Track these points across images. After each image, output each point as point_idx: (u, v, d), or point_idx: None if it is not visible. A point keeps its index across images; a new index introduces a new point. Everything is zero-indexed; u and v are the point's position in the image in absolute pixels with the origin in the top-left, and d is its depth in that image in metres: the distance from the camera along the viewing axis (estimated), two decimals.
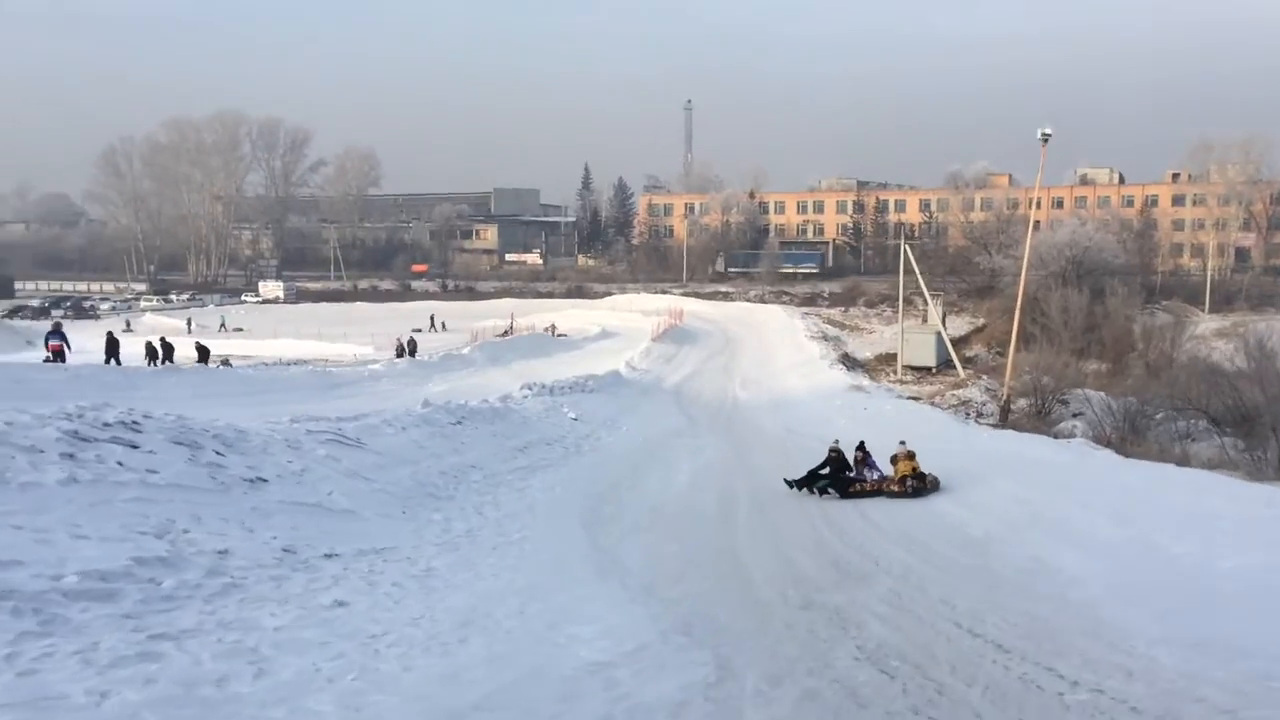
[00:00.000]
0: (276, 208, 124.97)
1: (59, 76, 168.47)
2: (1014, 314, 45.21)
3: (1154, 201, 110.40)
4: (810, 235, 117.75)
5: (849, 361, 56.18)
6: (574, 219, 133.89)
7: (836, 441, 18.86)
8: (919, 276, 56.71)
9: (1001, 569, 10.60)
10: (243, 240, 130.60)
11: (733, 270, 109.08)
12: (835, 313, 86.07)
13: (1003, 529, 12.67)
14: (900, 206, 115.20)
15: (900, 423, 26.62)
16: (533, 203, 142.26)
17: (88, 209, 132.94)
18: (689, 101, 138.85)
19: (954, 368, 54.68)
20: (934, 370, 55.07)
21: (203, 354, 39.03)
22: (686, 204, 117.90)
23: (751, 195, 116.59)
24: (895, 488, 17.36)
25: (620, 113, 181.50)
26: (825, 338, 64.57)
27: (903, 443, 18.56)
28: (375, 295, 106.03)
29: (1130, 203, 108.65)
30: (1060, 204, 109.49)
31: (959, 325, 72.19)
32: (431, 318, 77.76)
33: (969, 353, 62.35)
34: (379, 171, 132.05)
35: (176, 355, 38.10)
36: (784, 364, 53.99)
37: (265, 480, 10.32)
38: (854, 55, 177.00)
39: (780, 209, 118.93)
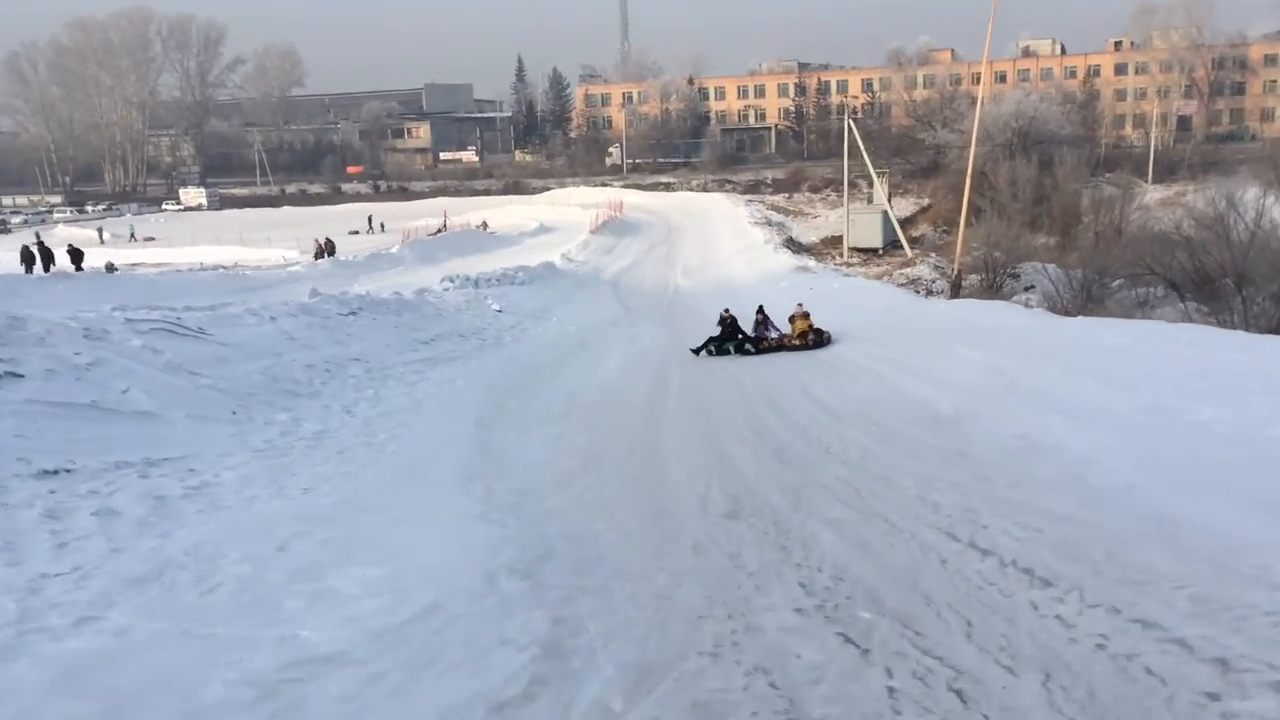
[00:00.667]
0: (195, 111, 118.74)
1: None
2: (961, 191, 43.13)
3: (1096, 72, 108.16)
4: (752, 121, 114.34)
5: (794, 246, 54.08)
6: (509, 114, 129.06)
7: (726, 310, 20.99)
8: (865, 155, 54.19)
9: (985, 451, 8.35)
10: (162, 148, 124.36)
11: (674, 160, 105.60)
12: (779, 199, 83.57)
13: (975, 403, 10.45)
14: (843, 87, 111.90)
15: (849, 300, 24.58)
16: (466, 99, 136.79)
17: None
18: None
19: (901, 248, 52.63)
20: (880, 252, 53.02)
21: (76, 258, 35.54)
22: (625, 93, 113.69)
23: (690, 81, 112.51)
24: (797, 341, 19.61)
25: (554, 2, 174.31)
26: (769, 224, 62.26)
27: (800, 304, 21.37)
28: (304, 199, 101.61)
29: (1073, 74, 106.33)
30: (1003, 78, 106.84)
31: (905, 206, 70.07)
32: (369, 218, 74.32)
33: (915, 233, 60.32)
34: (302, 70, 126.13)
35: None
36: (727, 251, 51.65)
37: (20, 376, 7.81)
38: None
39: (721, 95, 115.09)
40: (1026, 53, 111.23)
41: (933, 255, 48.25)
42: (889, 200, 54.36)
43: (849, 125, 53.28)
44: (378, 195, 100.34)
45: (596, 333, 23.72)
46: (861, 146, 53.46)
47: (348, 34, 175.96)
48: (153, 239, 63.00)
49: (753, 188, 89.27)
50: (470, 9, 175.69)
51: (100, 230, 68.21)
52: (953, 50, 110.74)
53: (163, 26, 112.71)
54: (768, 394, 13.71)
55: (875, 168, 58.85)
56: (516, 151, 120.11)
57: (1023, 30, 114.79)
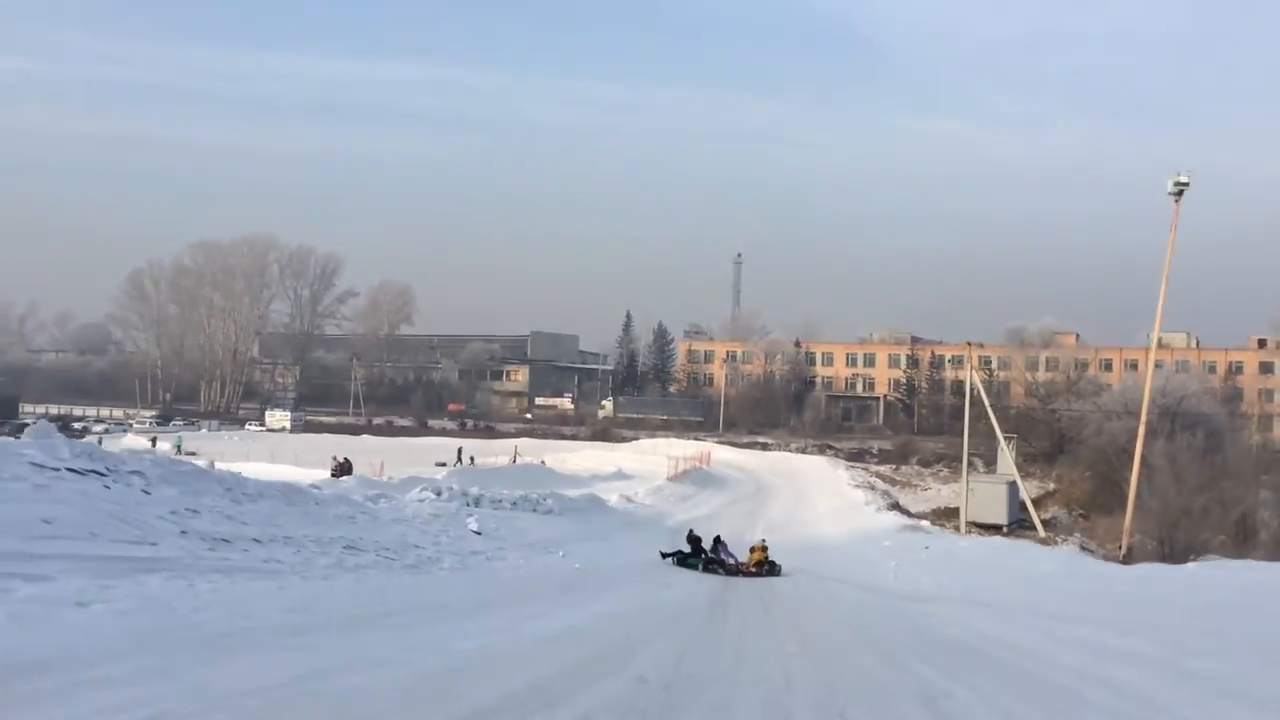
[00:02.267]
0: (301, 339, 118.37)
1: (106, 195, 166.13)
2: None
3: (1238, 369, 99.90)
4: (860, 389, 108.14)
5: (900, 511, 45.67)
6: (611, 367, 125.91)
7: (691, 530, 24.03)
8: (991, 416, 46.61)
9: None
10: (265, 373, 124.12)
11: (774, 422, 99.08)
12: (885, 469, 75.67)
13: None
14: (957, 362, 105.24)
15: (993, 564, 16.52)
16: (571, 348, 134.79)
17: (116, 334, 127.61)
18: (739, 255, 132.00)
19: (1030, 527, 43.91)
20: (1005, 530, 44.26)
21: None
22: (729, 351, 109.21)
23: (797, 344, 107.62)
24: (753, 569, 21.68)
25: (669, 265, 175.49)
26: (872, 488, 54.15)
27: (763, 539, 24.60)
28: (389, 430, 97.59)
29: (1212, 369, 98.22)
30: (1134, 366, 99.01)
31: (1028, 488, 61.39)
32: (459, 450, 69.94)
33: (1045, 515, 51.43)
34: (412, 308, 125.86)
35: None
36: (820, 510, 43.90)
37: None
38: (909, 204, 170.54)
39: (829, 360, 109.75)
40: (1160, 344, 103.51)
41: (1075, 536, 39.39)
42: (1016, 473, 45.99)
43: (971, 378, 46.10)
44: (463, 432, 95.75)
45: (606, 579, 16.22)
46: (987, 404, 46.01)
47: (461, 277, 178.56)
48: (194, 453, 58.70)
49: (856, 455, 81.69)
50: (592, 268, 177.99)
51: (154, 440, 64.45)
52: (1077, 334, 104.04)
53: (283, 255, 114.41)
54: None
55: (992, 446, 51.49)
56: (610, 401, 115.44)
57: (1153, 321, 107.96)
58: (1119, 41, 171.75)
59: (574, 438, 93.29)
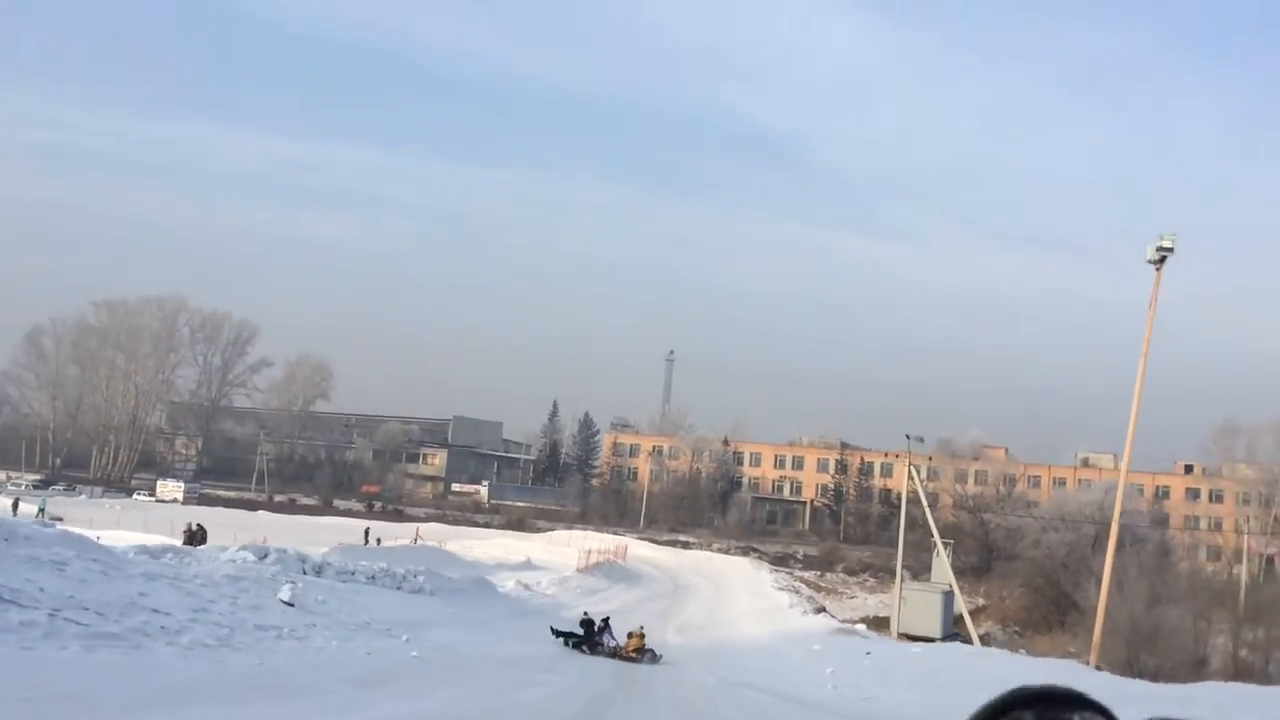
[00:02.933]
0: (207, 409, 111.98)
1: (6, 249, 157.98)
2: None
3: (1165, 493, 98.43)
4: (787, 493, 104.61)
5: (829, 615, 41.63)
6: (533, 457, 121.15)
7: (585, 613, 25.55)
8: (928, 513, 43.18)
9: None
10: (167, 444, 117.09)
11: (697, 523, 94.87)
12: (810, 575, 71.75)
13: None
14: (887, 470, 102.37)
15: (962, 674, 12.73)
16: (493, 435, 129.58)
17: (10, 393, 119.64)
18: (671, 353, 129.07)
19: (966, 642, 40.07)
20: (938, 642, 40.36)
21: None
22: (655, 446, 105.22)
23: (726, 442, 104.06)
24: (631, 654, 22.83)
25: (600, 361, 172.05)
26: (797, 592, 50.07)
27: (641, 627, 25.15)
28: (290, 508, 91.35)
29: (1140, 492, 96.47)
30: (1063, 484, 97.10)
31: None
32: (366, 531, 65.02)
33: (979, 630, 47.74)
34: (329, 384, 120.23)
35: None
36: (740, 610, 39.80)
37: None
38: (842, 317, 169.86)
39: (756, 461, 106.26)
40: (1086, 464, 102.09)
41: (1022, 652, 35.60)
42: (952, 582, 42.32)
43: (910, 474, 42.63)
44: (370, 514, 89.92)
45: (452, 670, 12.11)
46: (926, 506, 42.54)
47: (384, 358, 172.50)
48: (60, 518, 52.82)
49: (781, 560, 77.73)
50: (521, 358, 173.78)
51: (16, 502, 58.56)
52: (1006, 449, 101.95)
53: (194, 318, 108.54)
54: None
55: (916, 561, 47.97)
56: (534, 502, 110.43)
57: (1080, 441, 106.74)
58: (1044, 177, 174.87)
59: (487, 525, 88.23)
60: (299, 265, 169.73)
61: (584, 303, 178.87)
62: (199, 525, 35.76)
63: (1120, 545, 53.09)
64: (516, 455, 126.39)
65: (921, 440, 42.33)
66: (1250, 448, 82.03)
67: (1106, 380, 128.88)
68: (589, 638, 22.84)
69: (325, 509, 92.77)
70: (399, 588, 20.04)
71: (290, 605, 13.26)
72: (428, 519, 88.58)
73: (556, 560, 55.96)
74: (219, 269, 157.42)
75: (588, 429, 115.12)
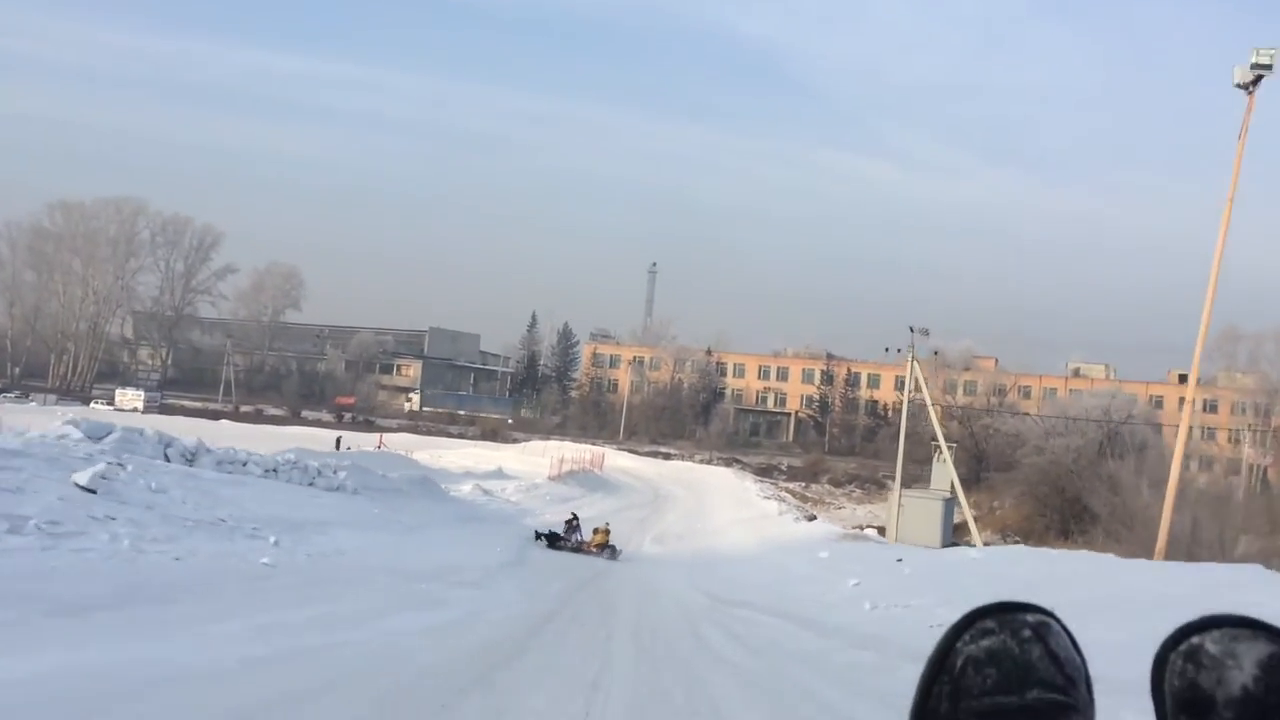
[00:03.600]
0: (171, 318, 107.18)
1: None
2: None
3: (1158, 403, 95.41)
4: (771, 404, 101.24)
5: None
6: (511, 369, 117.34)
7: (573, 514, 27.61)
8: (933, 414, 39.52)
9: None
10: (139, 354, 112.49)
11: (678, 434, 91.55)
12: (795, 486, 68.54)
13: None
14: (874, 381, 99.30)
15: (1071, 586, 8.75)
16: (471, 347, 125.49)
17: None
18: (654, 265, 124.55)
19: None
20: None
21: None
22: (635, 357, 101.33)
23: (709, 353, 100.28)
24: (594, 549, 24.45)
25: (582, 273, 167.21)
26: (783, 500, 46.55)
27: (606, 524, 26.51)
28: (257, 419, 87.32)
29: (1133, 403, 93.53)
30: (1054, 394, 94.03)
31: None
32: (338, 440, 62.14)
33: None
34: (300, 293, 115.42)
35: None
36: (725, 519, 36.37)
37: None
38: (829, 230, 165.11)
39: (740, 372, 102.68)
40: (1077, 374, 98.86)
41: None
42: (957, 486, 38.81)
43: (913, 368, 38.88)
44: (340, 425, 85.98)
45: (304, 588, 7.66)
46: (929, 399, 38.85)
47: (358, 267, 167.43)
48: None
49: (764, 471, 74.51)
50: (501, 271, 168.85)
51: None
52: (996, 360, 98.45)
53: (154, 222, 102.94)
54: None
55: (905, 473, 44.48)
56: (510, 411, 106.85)
57: (1073, 351, 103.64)
58: (1030, 93, 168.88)
59: (461, 436, 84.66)
60: (270, 177, 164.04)
61: (566, 217, 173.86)
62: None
63: (1124, 453, 50.03)
64: (494, 368, 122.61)
65: (927, 333, 38.56)
66: (1253, 354, 78.46)
67: (1096, 294, 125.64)
68: (560, 535, 24.77)
69: (293, 420, 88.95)
70: (311, 484, 16.23)
71: (91, 491, 9.42)
72: (399, 430, 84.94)
73: (529, 470, 52.45)
74: (184, 178, 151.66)
75: (567, 340, 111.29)
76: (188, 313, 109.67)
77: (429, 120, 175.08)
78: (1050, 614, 0.82)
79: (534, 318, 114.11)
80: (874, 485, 77.71)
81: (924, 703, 0.76)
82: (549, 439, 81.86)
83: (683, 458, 77.50)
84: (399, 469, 30.81)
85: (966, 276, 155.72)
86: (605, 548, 24.28)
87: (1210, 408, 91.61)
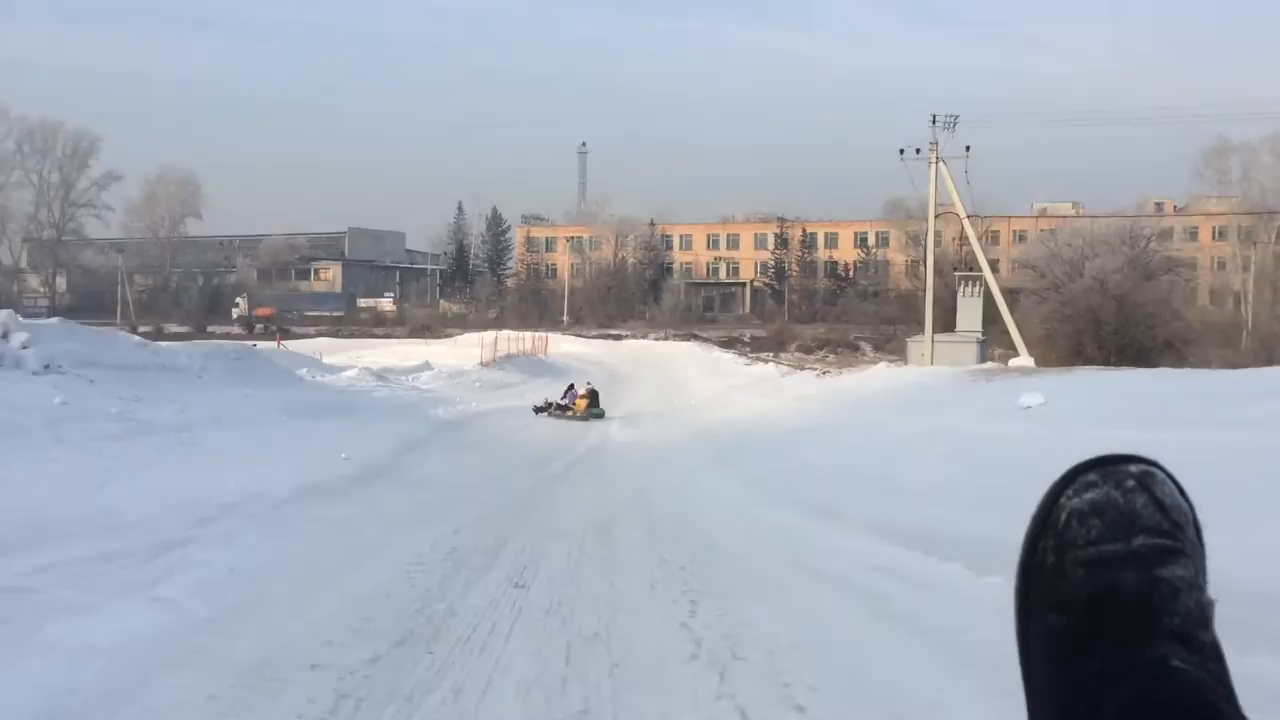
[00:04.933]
0: (51, 241, 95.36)
1: None
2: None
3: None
4: (723, 275, 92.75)
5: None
6: (441, 267, 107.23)
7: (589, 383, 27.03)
8: (969, 227, 31.17)
9: None
10: (29, 282, 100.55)
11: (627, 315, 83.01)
12: (764, 356, 60.60)
13: None
14: (832, 241, 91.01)
15: None
16: (396, 246, 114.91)
17: None
18: (583, 144, 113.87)
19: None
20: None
21: None
22: (573, 237, 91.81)
23: (652, 224, 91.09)
24: (580, 414, 24.35)
25: (508, 161, 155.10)
26: (778, 363, 38.50)
27: (589, 383, 26.95)
28: (157, 336, 76.88)
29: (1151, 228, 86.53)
30: (1023, 238, 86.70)
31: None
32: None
33: None
34: (199, 200, 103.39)
35: None
36: (713, 389, 28.16)
37: None
38: (765, 92, 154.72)
39: (687, 244, 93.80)
40: (1044, 214, 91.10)
41: None
42: (1006, 314, 30.55)
43: (937, 170, 30.27)
44: (250, 336, 76.12)
45: None
46: (963, 213, 30.37)
47: (267, 173, 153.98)
48: None
49: (727, 345, 66.16)
50: (424, 166, 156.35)
51: None
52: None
53: (18, 129, 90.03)
54: None
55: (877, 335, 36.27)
56: (442, 300, 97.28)
57: (1038, 191, 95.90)
58: None
59: (388, 336, 75.45)
60: (154, 78, 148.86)
61: (488, 109, 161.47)
62: None
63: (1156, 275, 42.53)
64: (423, 266, 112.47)
65: (955, 123, 29.83)
66: (1246, 167, 70.56)
67: (1053, 130, 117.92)
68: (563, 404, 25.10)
69: (198, 335, 78.81)
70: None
71: None
72: (319, 335, 75.46)
73: (461, 362, 43.72)
74: (47, 79, 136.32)
75: (497, 226, 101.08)
76: (72, 229, 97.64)
77: (330, 21, 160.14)
78: (1154, 463, 0.81)
79: (460, 207, 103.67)
80: (847, 349, 70.43)
81: (1030, 558, 0.77)
82: (486, 332, 72.99)
83: (635, 338, 69.24)
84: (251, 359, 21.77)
85: (917, 122, 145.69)
86: (592, 410, 24.32)
87: (1191, 235, 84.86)
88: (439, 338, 70.66)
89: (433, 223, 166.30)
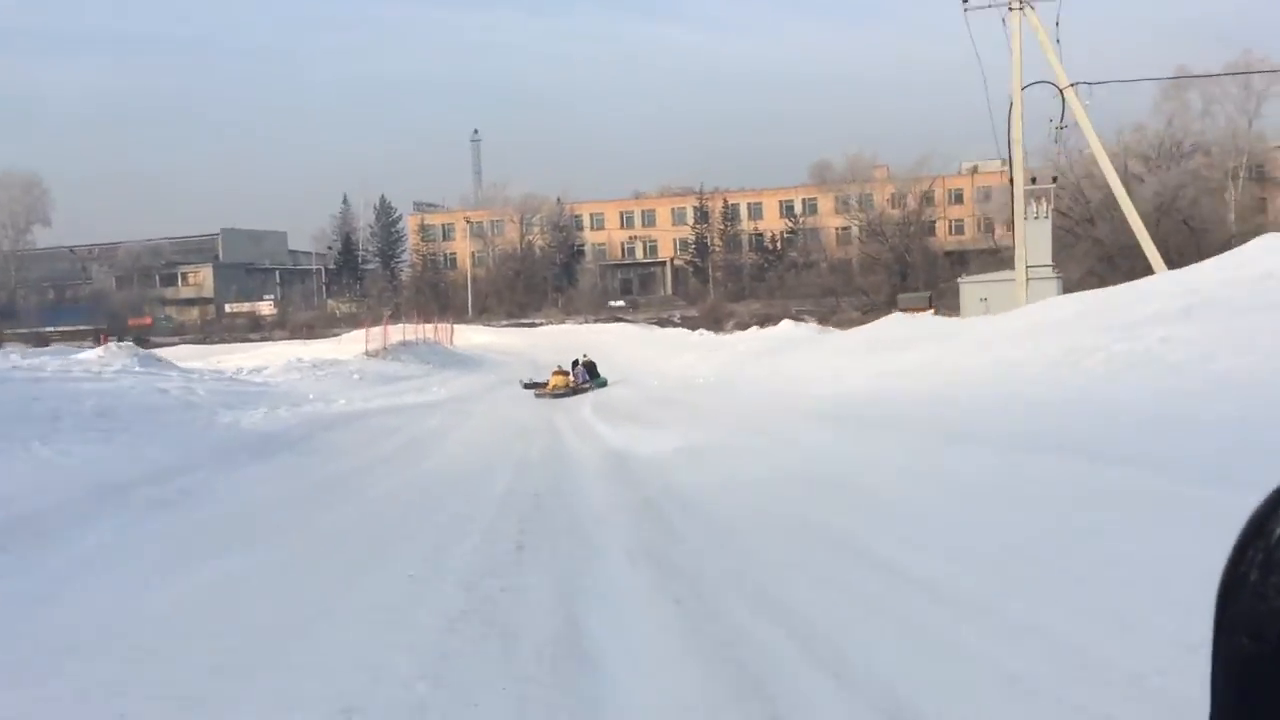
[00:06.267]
0: None
1: None
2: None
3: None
4: (640, 255, 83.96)
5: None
6: (328, 266, 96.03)
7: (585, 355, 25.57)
8: (1085, 122, 22.64)
9: None
10: None
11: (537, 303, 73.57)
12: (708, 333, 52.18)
13: None
14: (756, 211, 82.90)
15: None
16: (277, 247, 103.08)
17: None
18: (476, 132, 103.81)
19: None
20: None
21: None
22: (473, 221, 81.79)
23: (559, 202, 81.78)
24: (556, 387, 22.18)
25: (397, 156, 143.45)
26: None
27: (559, 366, 24.19)
28: None
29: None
30: (959, 198, 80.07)
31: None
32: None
33: None
34: (49, 205, 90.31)
35: None
36: (679, 366, 19.13)
37: None
38: (667, 62, 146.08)
39: (599, 223, 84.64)
40: (976, 172, 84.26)
41: None
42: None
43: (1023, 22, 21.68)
44: (100, 346, 64.32)
45: None
46: (1069, 97, 21.83)
47: (127, 178, 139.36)
48: None
49: (661, 326, 57.38)
50: (304, 164, 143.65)
51: None
52: (888, 168, 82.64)
53: None
54: None
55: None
56: (330, 300, 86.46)
57: (968, 151, 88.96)
58: None
59: (265, 340, 64.82)
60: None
61: (367, 97, 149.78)
62: None
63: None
64: (307, 267, 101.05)
65: None
66: (1206, 99, 63.50)
67: (970, 91, 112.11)
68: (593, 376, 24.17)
69: (39, 343, 66.84)
70: None
71: None
72: (184, 343, 64.36)
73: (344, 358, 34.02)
74: None
75: (387, 215, 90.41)
76: None
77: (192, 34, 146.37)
78: None
79: (345, 199, 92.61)
80: (791, 320, 62.84)
81: (1234, 568, 0.68)
82: (376, 328, 62.79)
83: (553, 325, 60.06)
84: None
85: (835, 86, 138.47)
86: (568, 387, 22.17)
87: None
88: (324, 338, 60.67)
89: (319, 221, 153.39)
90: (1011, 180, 21.50)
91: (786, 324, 31.23)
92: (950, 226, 79.16)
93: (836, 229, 79.02)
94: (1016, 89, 20.72)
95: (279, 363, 18.84)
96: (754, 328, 38.14)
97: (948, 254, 73.92)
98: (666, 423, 12.14)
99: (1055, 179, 24.15)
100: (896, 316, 23.04)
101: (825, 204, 79.61)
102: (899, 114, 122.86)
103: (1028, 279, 21.16)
